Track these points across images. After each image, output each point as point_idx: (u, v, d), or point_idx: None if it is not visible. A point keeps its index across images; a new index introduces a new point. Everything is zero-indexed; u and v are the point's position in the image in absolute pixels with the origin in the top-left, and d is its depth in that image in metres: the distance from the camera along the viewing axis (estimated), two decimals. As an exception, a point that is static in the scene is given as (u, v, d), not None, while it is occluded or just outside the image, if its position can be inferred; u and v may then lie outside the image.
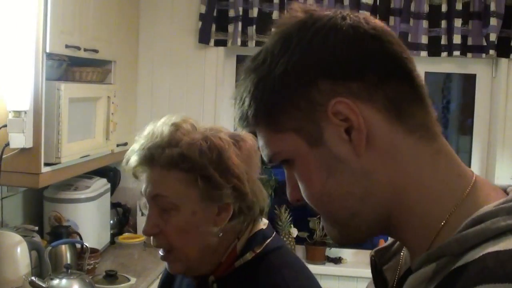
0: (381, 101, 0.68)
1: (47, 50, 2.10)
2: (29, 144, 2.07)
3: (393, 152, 0.69)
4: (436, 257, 0.64)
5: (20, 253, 2.16)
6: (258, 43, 3.06)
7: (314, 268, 3.20)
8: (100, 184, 2.89)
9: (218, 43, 3.17)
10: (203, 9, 3.12)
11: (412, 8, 3.02)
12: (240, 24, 3.08)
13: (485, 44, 2.99)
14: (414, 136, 0.69)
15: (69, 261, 2.43)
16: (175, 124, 1.27)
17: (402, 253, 0.78)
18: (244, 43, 3.11)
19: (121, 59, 2.92)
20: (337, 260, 3.29)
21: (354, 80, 0.68)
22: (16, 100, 2.03)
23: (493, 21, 2.94)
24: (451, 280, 0.62)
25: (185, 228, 1.25)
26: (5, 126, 2.03)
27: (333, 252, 3.31)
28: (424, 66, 3.05)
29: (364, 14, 0.73)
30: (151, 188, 1.26)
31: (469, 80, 3.32)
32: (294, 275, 1.28)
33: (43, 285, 2.04)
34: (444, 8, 3.01)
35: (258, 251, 1.28)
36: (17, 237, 2.18)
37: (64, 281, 2.17)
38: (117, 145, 2.78)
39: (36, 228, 2.40)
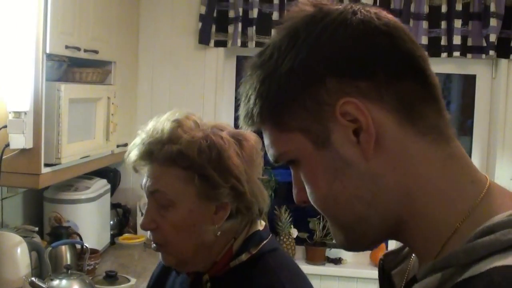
0: (392, 101, 0.65)
1: (47, 51, 2.10)
2: (29, 144, 2.07)
3: (403, 155, 0.66)
4: (442, 267, 0.61)
5: (20, 254, 2.16)
6: (258, 44, 3.05)
7: (314, 269, 3.23)
8: (100, 184, 2.89)
9: (218, 43, 3.17)
10: (203, 10, 3.12)
11: (412, 8, 3.02)
12: (240, 25, 3.08)
13: (485, 44, 2.99)
14: (426, 139, 0.66)
15: (69, 262, 2.43)
16: (177, 121, 1.27)
17: (411, 258, 0.75)
18: (244, 44, 3.11)
19: (121, 60, 2.92)
20: (337, 261, 3.28)
21: (363, 79, 0.65)
22: (16, 101, 2.03)
23: (493, 22, 2.94)
24: None
25: (182, 225, 1.25)
26: (5, 126, 2.03)
27: (333, 252, 3.30)
28: (424, 66, 3.05)
29: (376, 9, 0.69)
30: (150, 183, 1.27)
31: (469, 81, 3.32)
32: (290, 277, 1.28)
33: (43, 286, 2.04)
34: (444, 8, 3.01)
35: (254, 252, 1.28)
36: (17, 238, 2.18)
37: (64, 281, 2.17)
38: (117, 146, 2.78)
39: (36, 228, 2.40)
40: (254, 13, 3.07)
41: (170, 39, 3.26)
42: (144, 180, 1.28)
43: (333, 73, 0.66)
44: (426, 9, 3.02)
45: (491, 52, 2.98)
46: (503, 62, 3.08)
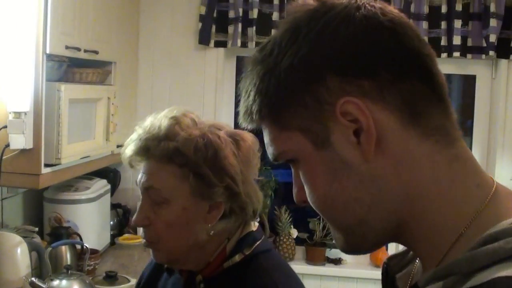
0: (395, 101, 0.63)
1: (47, 51, 2.10)
2: (29, 145, 2.07)
3: (405, 157, 0.63)
4: (443, 275, 0.59)
5: (20, 254, 2.16)
6: (258, 44, 3.05)
7: (314, 269, 3.23)
8: (100, 185, 2.89)
9: (218, 44, 3.17)
10: (203, 10, 3.12)
11: (412, 9, 3.02)
12: (240, 25, 3.08)
13: (485, 45, 2.99)
14: (430, 141, 0.64)
15: (69, 262, 2.43)
16: (175, 118, 1.26)
17: (416, 262, 0.73)
18: (244, 44, 3.11)
19: (121, 60, 2.92)
20: (337, 261, 3.28)
21: (365, 77, 0.63)
22: (16, 101, 2.03)
23: (493, 22, 2.94)
24: None
25: (174, 223, 1.24)
26: (5, 127, 2.03)
27: (333, 253, 3.30)
28: (424, 67, 3.05)
29: (382, 4, 0.67)
30: (145, 179, 1.26)
31: (469, 81, 3.32)
32: (283, 278, 1.28)
33: (43, 286, 2.03)
34: (444, 9, 3.01)
35: (247, 253, 1.27)
36: (17, 238, 2.18)
37: (64, 282, 2.17)
38: (117, 146, 2.77)
39: (36, 229, 2.40)
40: (254, 13, 3.07)
41: (170, 39, 3.26)
42: (139, 176, 1.28)
43: (334, 71, 0.63)
44: (426, 9, 3.02)
45: (491, 53, 2.98)
46: (503, 62, 3.09)
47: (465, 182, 0.64)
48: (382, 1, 0.67)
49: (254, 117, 0.68)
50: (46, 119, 2.12)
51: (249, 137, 1.29)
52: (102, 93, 2.60)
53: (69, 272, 2.22)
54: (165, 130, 1.24)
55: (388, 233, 0.67)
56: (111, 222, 3.07)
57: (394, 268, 0.75)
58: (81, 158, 2.41)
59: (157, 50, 3.27)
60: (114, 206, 3.13)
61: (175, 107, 1.31)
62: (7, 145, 2.03)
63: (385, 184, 0.64)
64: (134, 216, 1.28)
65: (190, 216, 1.24)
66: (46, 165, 2.16)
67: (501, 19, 2.95)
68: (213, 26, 3.14)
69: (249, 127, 0.71)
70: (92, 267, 2.59)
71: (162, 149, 1.23)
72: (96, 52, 2.50)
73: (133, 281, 2.50)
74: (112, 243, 3.06)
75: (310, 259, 3.27)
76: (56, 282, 2.16)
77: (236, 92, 3.20)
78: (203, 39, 3.15)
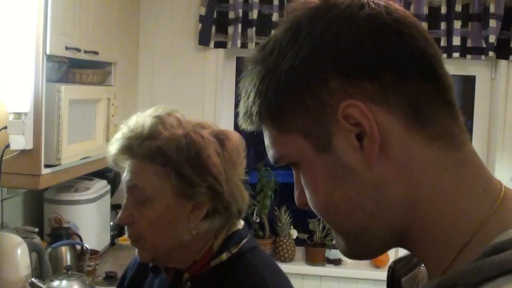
0: (399, 104, 0.61)
1: (47, 52, 2.10)
2: (29, 145, 2.07)
3: (409, 163, 0.61)
4: (448, 286, 0.57)
5: (20, 255, 2.16)
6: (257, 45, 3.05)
7: (314, 270, 3.23)
8: (100, 185, 2.89)
9: (218, 45, 3.17)
10: (203, 11, 3.13)
11: (412, 10, 3.02)
12: (240, 26, 3.09)
13: (484, 46, 2.99)
14: (435, 145, 0.61)
15: (69, 263, 2.44)
16: (159, 117, 1.27)
17: (422, 266, 0.71)
18: (244, 45, 3.11)
19: (121, 61, 2.92)
20: (337, 262, 3.28)
21: (368, 80, 0.60)
22: (16, 102, 2.03)
23: (493, 23, 2.94)
24: None
25: (157, 222, 1.25)
26: (5, 127, 2.04)
27: (333, 253, 3.30)
28: (423, 67, 3.05)
29: (387, 2, 0.64)
30: (129, 178, 1.27)
31: (469, 82, 3.32)
32: (272, 275, 1.29)
33: (43, 287, 2.04)
34: (443, 9, 3.02)
35: (234, 251, 1.28)
36: (17, 239, 2.18)
37: (64, 282, 2.17)
38: (117, 147, 2.78)
39: (36, 229, 2.40)
40: (254, 14, 3.07)
41: (170, 40, 3.26)
42: (124, 175, 1.29)
43: (336, 73, 0.61)
44: (425, 10, 3.02)
45: (491, 53, 2.98)
46: (503, 63, 3.09)
47: (472, 187, 0.62)
48: None
49: (253, 118, 0.66)
50: (46, 120, 2.12)
51: (235, 137, 1.30)
52: (102, 94, 2.60)
53: (69, 272, 2.22)
54: (148, 129, 1.25)
55: (391, 239, 0.65)
56: (111, 223, 3.07)
57: (400, 271, 0.73)
58: (81, 159, 2.41)
59: (157, 51, 3.27)
60: (114, 207, 3.13)
61: (161, 106, 1.31)
62: (7, 146, 2.03)
63: (388, 190, 0.62)
64: (119, 214, 1.28)
65: (173, 215, 1.25)
66: (46, 166, 2.16)
67: (501, 19, 2.95)
68: (213, 27, 3.14)
69: (248, 129, 0.69)
70: (92, 267, 2.59)
71: (144, 148, 1.24)
72: (96, 53, 2.50)
73: (133, 282, 2.50)
74: (112, 243, 3.06)
75: (310, 260, 3.27)
76: (56, 283, 2.16)
77: (236, 93, 3.20)
78: (203, 40, 3.15)
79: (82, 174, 2.67)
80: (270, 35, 0.68)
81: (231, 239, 1.29)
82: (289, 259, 3.27)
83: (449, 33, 3.02)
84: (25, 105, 2.04)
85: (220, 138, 1.27)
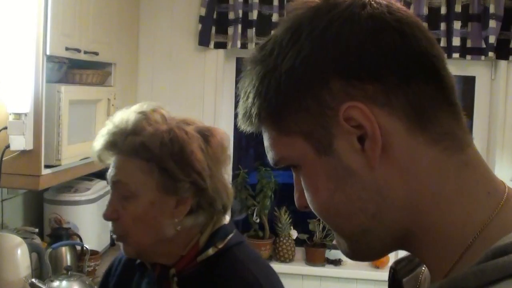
0: (401, 106, 0.60)
1: (47, 53, 2.10)
2: (29, 146, 2.07)
3: (411, 165, 0.60)
4: None
5: (20, 255, 2.16)
6: (257, 46, 3.06)
7: (314, 270, 3.23)
8: (100, 186, 2.89)
9: (218, 45, 3.17)
10: (203, 12, 3.13)
11: (411, 10, 3.02)
12: (240, 26, 3.09)
13: (484, 46, 2.99)
14: (438, 147, 0.61)
15: (69, 263, 2.44)
16: (144, 113, 1.28)
17: (423, 267, 0.70)
18: (244, 46, 3.12)
19: (121, 61, 2.92)
20: (337, 262, 3.28)
21: (370, 81, 0.60)
22: (16, 102, 2.03)
23: (492, 23, 2.94)
24: None
25: (141, 217, 1.25)
26: (6, 128, 2.04)
27: (333, 254, 3.30)
28: (423, 68, 3.05)
29: (388, 1, 0.63)
30: (113, 173, 1.28)
31: (469, 82, 3.32)
32: (260, 269, 1.30)
33: (43, 287, 2.04)
34: (443, 10, 3.02)
35: (220, 246, 1.29)
36: (18, 239, 2.18)
37: (64, 283, 2.17)
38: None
39: (36, 230, 2.40)
40: (254, 14, 3.07)
41: (170, 40, 3.27)
42: (109, 170, 1.29)
43: (338, 74, 0.60)
44: (425, 11, 3.03)
45: (491, 54, 2.98)
46: (503, 63, 3.09)
47: (475, 190, 0.61)
48: None
49: (253, 120, 0.65)
50: (46, 120, 2.13)
51: (220, 133, 1.30)
52: (102, 95, 2.60)
53: (69, 273, 2.22)
54: (132, 125, 1.26)
55: (393, 242, 0.64)
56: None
57: (401, 272, 0.73)
58: (81, 159, 2.41)
59: (157, 52, 3.27)
60: (114, 207, 3.13)
61: (147, 102, 1.32)
62: (7, 146, 2.03)
63: (390, 193, 0.61)
64: (104, 210, 1.29)
65: (157, 210, 1.25)
66: (46, 166, 2.16)
67: (501, 20, 2.95)
68: (213, 28, 3.14)
69: (248, 130, 0.68)
70: (92, 268, 2.60)
71: (128, 144, 1.24)
72: (96, 54, 2.51)
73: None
74: (112, 244, 3.05)
75: (310, 260, 3.27)
76: (56, 283, 2.16)
77: (235, 93, 3.20)
78: (203, 41, 3.15)
79: (82, 175, 2.67)
80: (270, 35, 0.67)
81: (217, 234, 1.30)
82: (289, 259, 3.27)
83: (449, 33, 3.02)
84: (25, 106, 2.04)
85: (205, 134, 1.28)
